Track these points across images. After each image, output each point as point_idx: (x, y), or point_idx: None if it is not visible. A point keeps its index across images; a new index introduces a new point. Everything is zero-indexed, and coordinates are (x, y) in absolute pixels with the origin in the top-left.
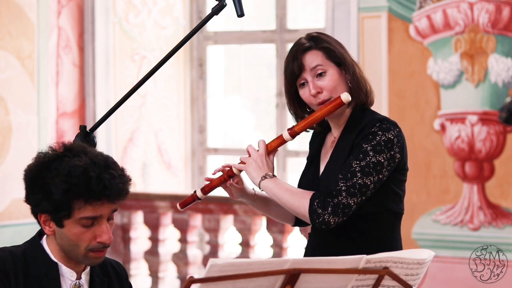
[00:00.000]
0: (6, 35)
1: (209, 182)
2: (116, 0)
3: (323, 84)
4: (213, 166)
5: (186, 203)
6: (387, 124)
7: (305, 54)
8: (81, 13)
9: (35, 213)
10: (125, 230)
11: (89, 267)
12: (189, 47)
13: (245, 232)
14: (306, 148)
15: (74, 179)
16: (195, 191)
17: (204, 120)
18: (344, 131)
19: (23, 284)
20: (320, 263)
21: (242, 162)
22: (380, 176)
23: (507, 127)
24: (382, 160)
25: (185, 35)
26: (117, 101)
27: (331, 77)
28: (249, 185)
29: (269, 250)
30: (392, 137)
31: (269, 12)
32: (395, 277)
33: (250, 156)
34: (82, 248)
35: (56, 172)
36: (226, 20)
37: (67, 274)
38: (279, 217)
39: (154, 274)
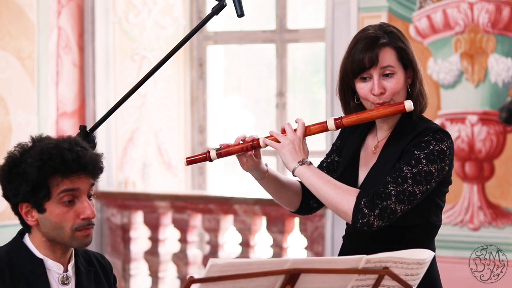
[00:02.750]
0: (6, 35)
1: (227, 147)
2: (116, 0)
3: (389, 85)
4: (213, 166)
5: (195, 160)
6: (441, 135)
7: (381, 50)
8: (81, 13)
9: (15, 205)
10: (125, 230)
11: (73, 259)
12: (189, 47)
13: (245, 232)
14: (311, 147)
15: (47, 154)
16: (208, 151)
17: (204, 120)
18: (392, 137)
19: (10, 284)
20: (320, 263)
21: (273, 138)
22: (429, 186)
23: (507, 127)
24: (433, 170)
25: (185, 35)
26: (117, 101)
27: (398, 80)
28: (264, 161)
29: (269, 250)
30: (445, 148)
31: (269, 12)
32: (395, 277)
33: (286, 135)
34: (68, 229)
35: (29, 156)
36: (226, 20)
37: (54, 268)
38: (283, 201)
39: (154, 274)
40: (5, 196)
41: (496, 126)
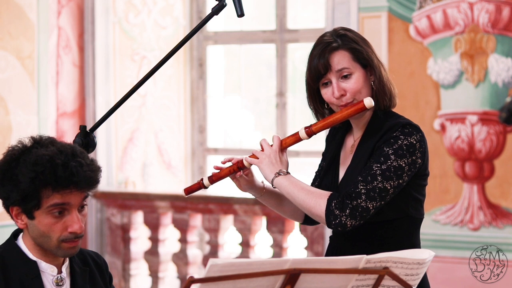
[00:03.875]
0: (6, 35)
1: (218, 171)
2: (116, 0)
3: (348, 86)
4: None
5: (192, 190)
6: (410, 129)
7: (332, 54)
8: (81, 13)
9: (7, 206)
10: (125, 230)
11: (68, 260)
12: (189, 47)
13: (245, 232)
14: (307, 148)
15: (40, 167)
16: (202, 179)
17: (204, 120)
18: (365, 135)
19: (4, 287)
20: (320, 263)
21: (254, 156)
22: (400, 181)
23: (507, 127)
24: (403, 165)
25: (185, 35)
26: (117, 101)
27: (356, 79)
28: (259, 178)
29: (269, 250)
30: (414, 142)
31: (269, 12)
32: (395, 277)
33: (263, 150)
34: (54, 239)
35: (23, 163)
36: (226, 20)
37: (48, 270)
38: (288, 213)
39: (154, 274)
40: None
41: (496, 126)
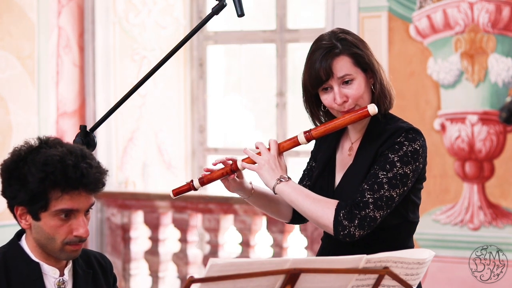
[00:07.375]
0: (6, 35)
1: (209, 173)
2: (116, 0)
3: (350, 92)
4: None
5: (181, 191)
6: (413, 134)
7: (334, 60)
8: (81, 13)
9: (12, 206)
10: (125, 230)
11: (71, 262)
12: (189, 47)
13: (245, 232)
14: (306, 148)
15: (51, 167)
16: (192, 180)
17: (204, 120)
18: (365, 139)
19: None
20: (320, 263)
21: (250, 160)
22: (405, 188)
23: (507, 127)
24: (408, 172)
25: (185, 35)
26: (117, 101)
27: (358, 85)
28: (247, 179)
29: (269, 250)
30: (418, 148)
31: (269, 12)
32: (395, 277)
33: (260, 155)
34: (59, 242)
35: (32, 163)
36: (226, 20)
37: (50, 272)
38: (275, 214)
39: (154, 274)
40: (3, 194)
41: (496, 126)
